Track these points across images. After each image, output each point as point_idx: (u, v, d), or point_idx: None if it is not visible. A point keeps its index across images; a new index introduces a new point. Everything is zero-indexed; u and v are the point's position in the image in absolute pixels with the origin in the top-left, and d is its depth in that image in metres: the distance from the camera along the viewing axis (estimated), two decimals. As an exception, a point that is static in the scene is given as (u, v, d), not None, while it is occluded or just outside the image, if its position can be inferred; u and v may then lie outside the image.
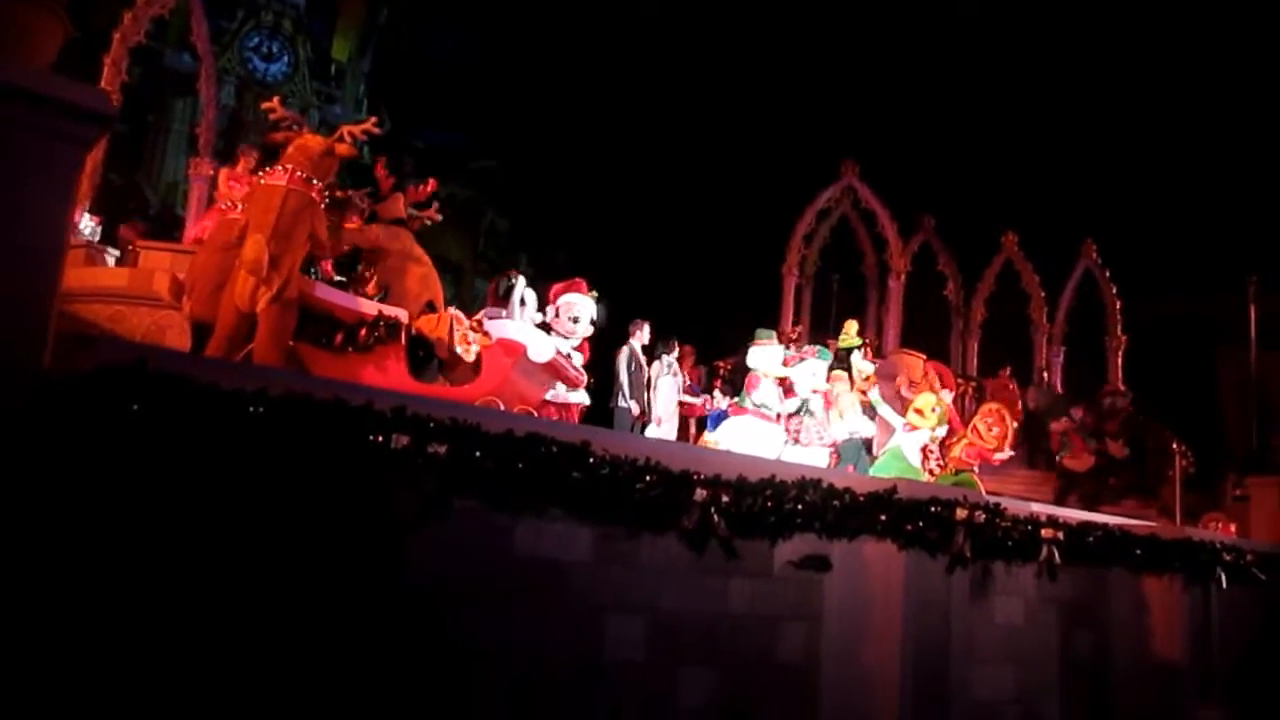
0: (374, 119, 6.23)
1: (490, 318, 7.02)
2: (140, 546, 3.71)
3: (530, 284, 7.46)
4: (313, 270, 6.34)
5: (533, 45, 20.16)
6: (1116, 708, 6.78)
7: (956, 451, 8.56)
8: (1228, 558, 7.37)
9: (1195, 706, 7.11)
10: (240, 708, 3.81)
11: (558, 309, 7.42)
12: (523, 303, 7.15)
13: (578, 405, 7.42)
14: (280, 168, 5.58)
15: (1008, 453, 8.71)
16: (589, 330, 7.50)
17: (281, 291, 5.41)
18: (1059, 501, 10.09)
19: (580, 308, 7.43)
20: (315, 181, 5.60)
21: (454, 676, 4.33)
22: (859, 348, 8.42)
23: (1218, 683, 7.33)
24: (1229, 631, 7.46)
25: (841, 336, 8.61)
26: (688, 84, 19.40)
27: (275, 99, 6.10)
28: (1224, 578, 7.27)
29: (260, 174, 5.75)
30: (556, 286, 7.54)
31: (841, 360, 8.63)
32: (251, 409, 3.85)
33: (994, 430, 8.60)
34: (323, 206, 5.75)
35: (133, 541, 3.69)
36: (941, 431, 8.02)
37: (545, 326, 7.33)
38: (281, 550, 3.98)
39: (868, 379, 8.26)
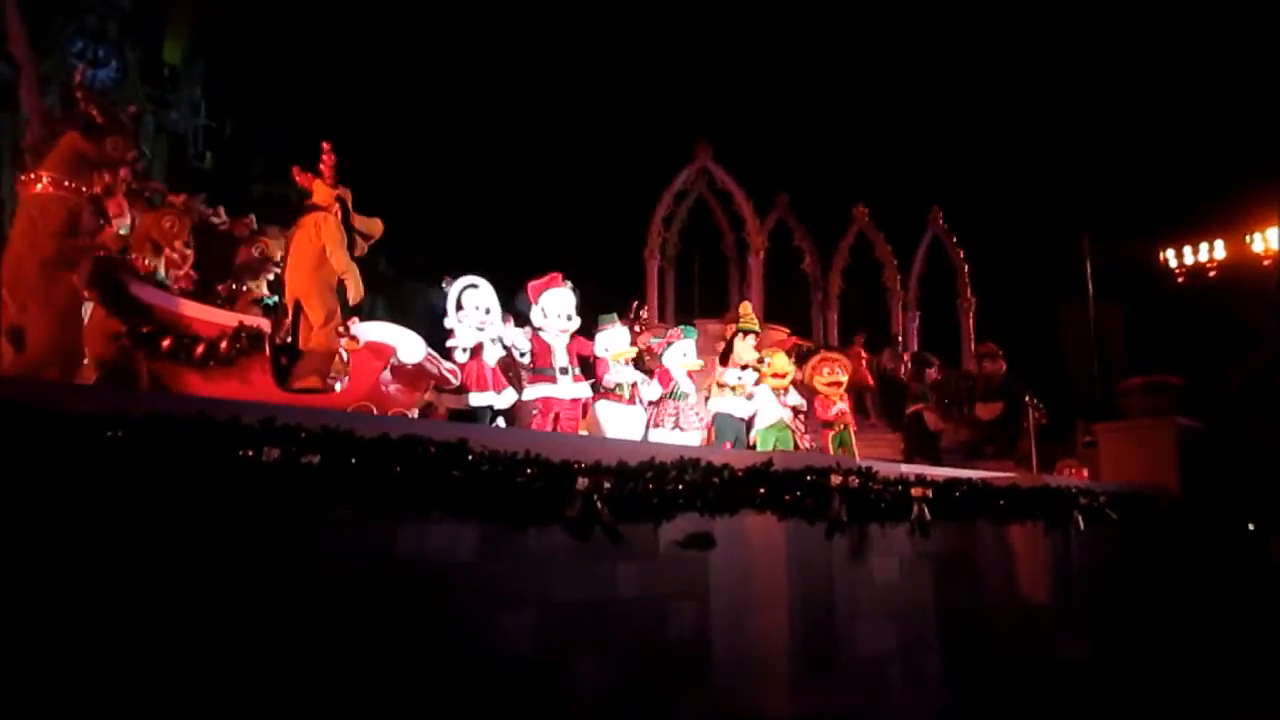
0: (78, 71, 5.90)
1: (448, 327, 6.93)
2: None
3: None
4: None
5: (378, 36, 19.73)
6: (990, 652, 7.09)
7: (836, 409, 8.89)
8: (1083, 501, 7.80)
9: (1060, 642, 7.51)
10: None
11: (544, 309, 7.29)
12: (459, 306, 6.99)
13: (573, 400, 7.24)
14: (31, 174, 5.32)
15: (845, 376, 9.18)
16: (577, 324, 7.40)
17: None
18: (908, 459, 10.43)
19: (568, 302, 7.33)
20: (66, 183, 5.28)
21: (340, 689, 4.25)
22: (749, 333, 8.48)
23: (1079, 617, 7.76)
24: (1087, 569, 7.90)
25: (741, 320, 8.68)
26: (537, 76, 19.31)
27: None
28: (1080, 520, 7.69)
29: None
30: (535, 284, 7.37)
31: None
32: (110, 433, 3.69)
33: (834, 372, 9.04)
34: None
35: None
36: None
37: (526, 322, 7.28)
38: (153, 575, 3.83)
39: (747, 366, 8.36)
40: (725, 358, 8.30)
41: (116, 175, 5.72)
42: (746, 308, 8.95)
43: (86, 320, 5.66)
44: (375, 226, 6.58)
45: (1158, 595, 8.56)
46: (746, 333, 8.38)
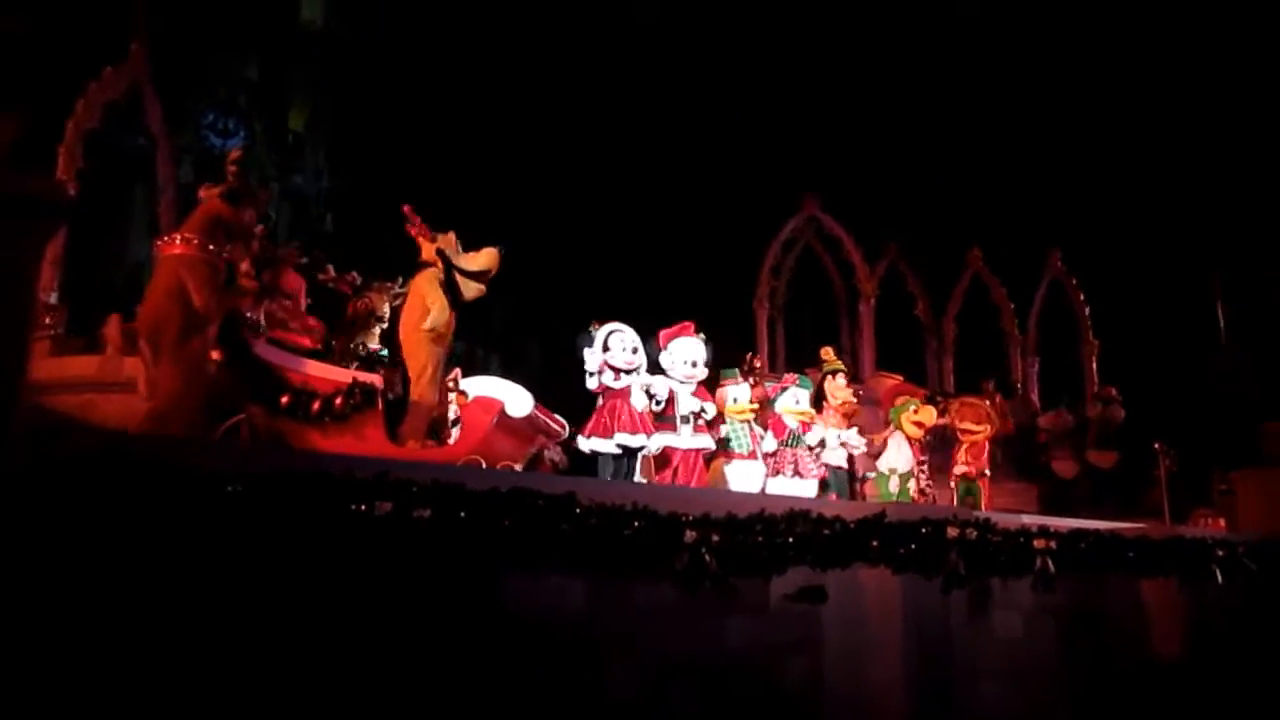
0: (236, 150, 6.18)
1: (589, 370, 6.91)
2: (121, 636, 3.65)
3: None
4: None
5: (489, 98, 20.28)
6: (1121, 711, 6.75)
7: (961, 461, 8.69)
8: (1220, 553, 7.39)
9: (1197, 701, 7.10)
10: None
11: (672, 355, 7.26)
12: (606, 348, 6.93)
13: (697, 450, 7.18)
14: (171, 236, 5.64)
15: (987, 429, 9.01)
16: (704, 374, 7.36)
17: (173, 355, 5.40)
18: (1049, 510, 10.09)
19: (697, 351, 7.30)
20: (210, 246, 5.60)
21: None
22: (837, 372, 8.45)
23: (1218, 675, 7.33)
24: (1226, 624, 7.46)
25: (825, 364, 8.66)
26: (644, 130, 19.56)
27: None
28: (1218, 573, 7.28)
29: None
30: (666, 332, 7.37)
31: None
32: (230, 488, 3.81)
33: (979, 422, 8.82)
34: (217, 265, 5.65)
35: (113, 632, 3.63)
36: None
37: (659, 370, 7.22)
38: (268, 627, 3.92)
39: (844, 404, 8.30)
40: (819, 405, 8.22)
41: (248, 243, 6.02)
42: (828, 352, 8.85)
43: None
44: (484, 260, 6.62)
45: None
46: (835, 373, 8.34)
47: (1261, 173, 18.55)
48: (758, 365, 9.41)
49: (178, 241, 5.57)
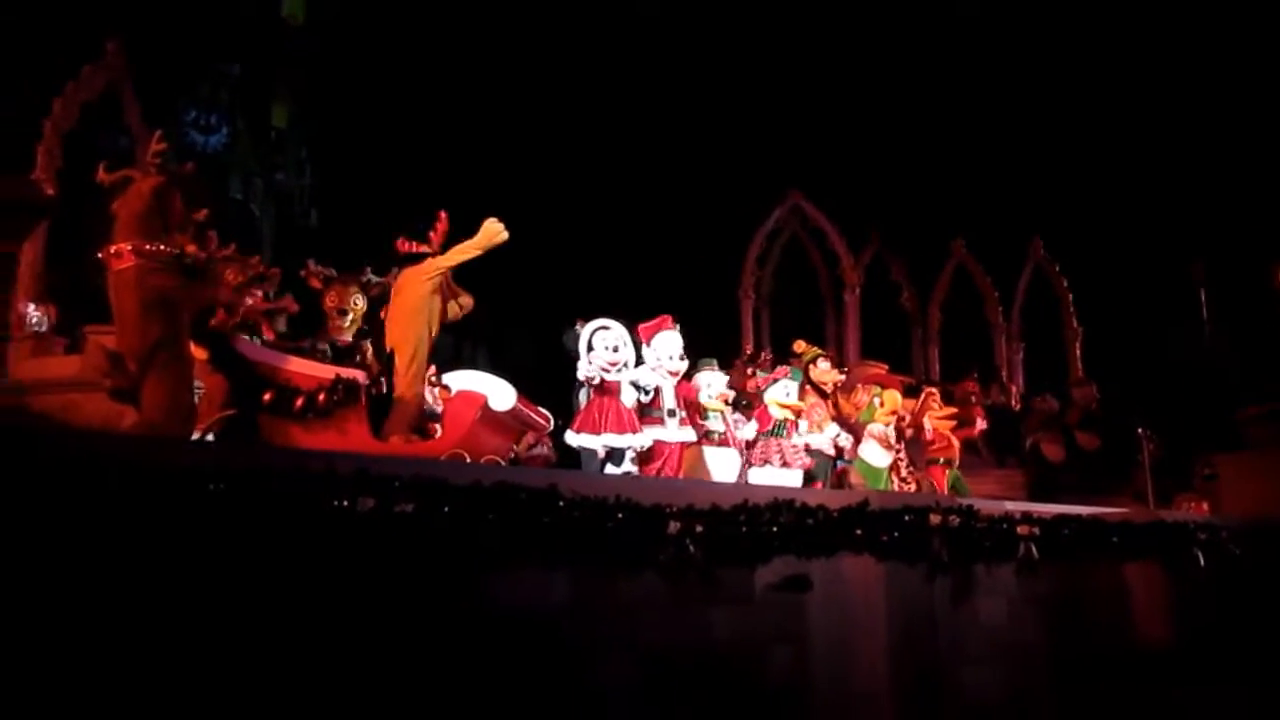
0: (159, 133, 5.89)
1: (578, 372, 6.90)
2: (102, 637, 3.64)
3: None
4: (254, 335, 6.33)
5: (471, 89, 20.21)
6: (1105, 696, 6.78)
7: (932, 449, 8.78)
8: (1202, 537, 7.44)
9: (1183, 687, 7.15)
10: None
11: (656, 350, 7.21)
12: (590, 348, 6.94)
13: (678, 444, 7.14)
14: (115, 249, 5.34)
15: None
16: (685, 365, 7.36)
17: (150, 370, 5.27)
18: (1038, 496, 10.15)
19: (678, 344, 7.27)
20: (149, 244, 5.31)
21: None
22: (819, 358, 8.52)
23: (1200, 657, 7.38)
24: (1208, 607, 7.51)
25: (803, 354, 8.71)
26: (625, 120, 19.53)
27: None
28: (1201, 557, 7.33)
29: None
30: (645, 327, 7.31)
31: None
32: (211, 486, 3.81)
33: (943, 406, 8.99)
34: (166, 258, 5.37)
35: (95, 634, 3.63)
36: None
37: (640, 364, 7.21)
38: (250, 626, 3.92)
39: (834, 383, 8.40)
40: (820, 394, 8.30)
41: (186, 228, 5.73)
42: (801, 344, 8.90)
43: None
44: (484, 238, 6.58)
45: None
46: (816, 359, 8.47)
47: (1242, 159, 18.63)
48: (763, 356, 9.43)
49: (128, 252, 5.30)
